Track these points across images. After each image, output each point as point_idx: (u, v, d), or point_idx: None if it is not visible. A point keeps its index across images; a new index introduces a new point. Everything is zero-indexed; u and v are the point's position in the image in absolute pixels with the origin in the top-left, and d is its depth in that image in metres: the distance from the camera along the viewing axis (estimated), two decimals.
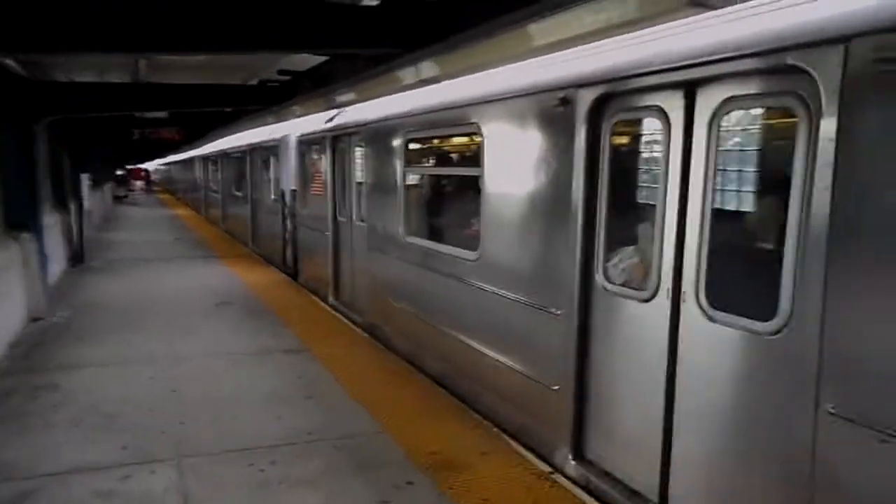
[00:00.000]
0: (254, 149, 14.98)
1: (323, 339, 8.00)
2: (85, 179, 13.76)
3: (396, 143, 7.23)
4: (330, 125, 9.39)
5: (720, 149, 3.38)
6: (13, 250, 8.49)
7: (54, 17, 5.16)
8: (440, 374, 6.39)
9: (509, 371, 5.10)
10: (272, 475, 4.54)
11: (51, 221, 12.15)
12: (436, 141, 7.54)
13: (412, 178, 7.32)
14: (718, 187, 3.43)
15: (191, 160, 31.56)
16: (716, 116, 3.34)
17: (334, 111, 9.33)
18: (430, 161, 7.90)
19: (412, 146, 7.25)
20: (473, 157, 6.05)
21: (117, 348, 7.56)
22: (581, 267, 4.22)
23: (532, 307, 4.74)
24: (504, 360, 5.17)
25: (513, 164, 5.06)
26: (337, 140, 9.19)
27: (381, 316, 7.93)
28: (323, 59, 8.15)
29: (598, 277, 4.16)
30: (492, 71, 5.43)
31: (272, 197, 13.47)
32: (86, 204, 13.97)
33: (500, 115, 5.25)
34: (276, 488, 4.37)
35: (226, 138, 18.56)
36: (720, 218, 3.45)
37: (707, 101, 3.36)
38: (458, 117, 5.95)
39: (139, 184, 47.74)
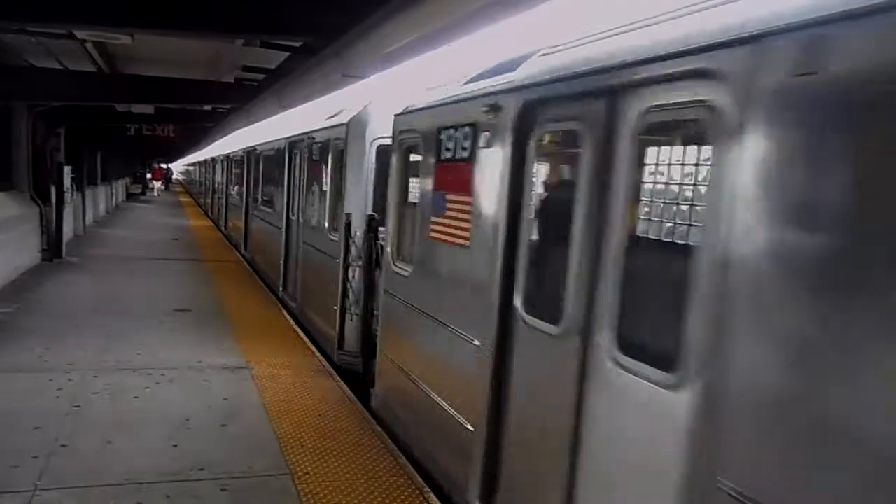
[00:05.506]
0: (295, 142, 9.84)
1: None
2: (67, 172, 13.35)
3: None
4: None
5: None
6: None
7: None
8: None
9: None
10: None
11: (24, 213, 11.83)
12: None
13: None
14: None
15: (213, 160, 25.91)
16: None
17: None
18: None
19: None
20: None
21: (43, 353, 6.99)
22: None
23: None
24: None
25: None
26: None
27: None
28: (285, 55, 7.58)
29: None
30: None
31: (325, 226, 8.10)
32: (68, 197, 13.58)
33: None
34: None
35: (244, 131, 13.56)
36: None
37: None
38: None
39: (157, 184, 47.69)
